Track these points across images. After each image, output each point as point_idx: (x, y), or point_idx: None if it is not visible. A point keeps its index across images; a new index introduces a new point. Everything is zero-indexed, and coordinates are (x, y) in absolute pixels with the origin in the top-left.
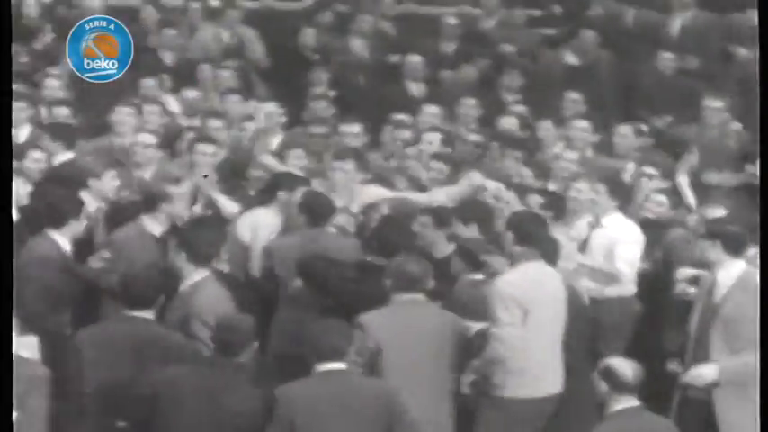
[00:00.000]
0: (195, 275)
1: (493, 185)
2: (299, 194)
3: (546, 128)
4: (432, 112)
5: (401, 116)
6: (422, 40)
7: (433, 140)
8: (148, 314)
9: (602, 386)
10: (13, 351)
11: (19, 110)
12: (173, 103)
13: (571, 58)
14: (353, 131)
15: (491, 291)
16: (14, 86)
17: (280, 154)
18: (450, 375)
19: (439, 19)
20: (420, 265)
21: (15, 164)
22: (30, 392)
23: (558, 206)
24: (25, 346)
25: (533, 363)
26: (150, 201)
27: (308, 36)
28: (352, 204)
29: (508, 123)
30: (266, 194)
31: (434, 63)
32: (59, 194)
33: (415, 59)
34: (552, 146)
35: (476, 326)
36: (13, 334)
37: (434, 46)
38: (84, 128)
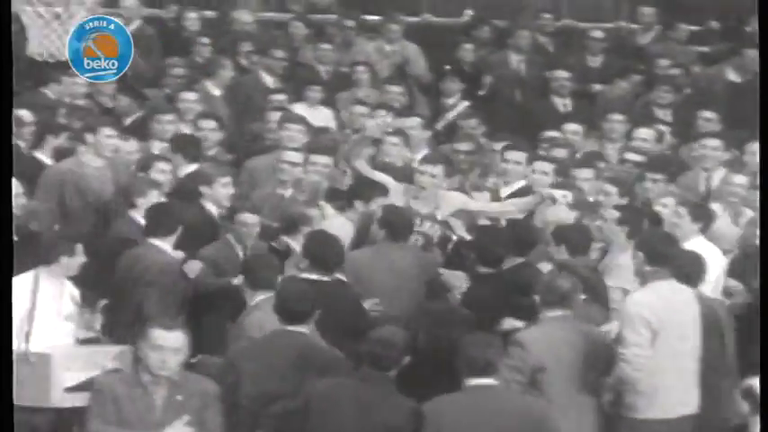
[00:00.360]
0: None
1: (560, 195)
2: (376, 206)
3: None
4: (572, 129)
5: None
6: (577, 55)
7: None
8: (304, 329)
9: (744, 407)
10: (162, 343)
11: (167, 122)
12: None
13: (732, 75)
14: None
15: (621, 311)
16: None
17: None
18: (593, 393)
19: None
20: (569, 281)
21: (141, 174)
22: (206, 409)
23: (635, 221)
24: (172, 341)
25: (664, 383)
26: (291, 224)
27: (467, 51)
28: (437, 211)
29: (645, 134)
30: (345, 202)
31: (584, 78)
32: (171, 205)
33: (561, 74)
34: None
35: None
36: (156, 330)
37: (584, 61)
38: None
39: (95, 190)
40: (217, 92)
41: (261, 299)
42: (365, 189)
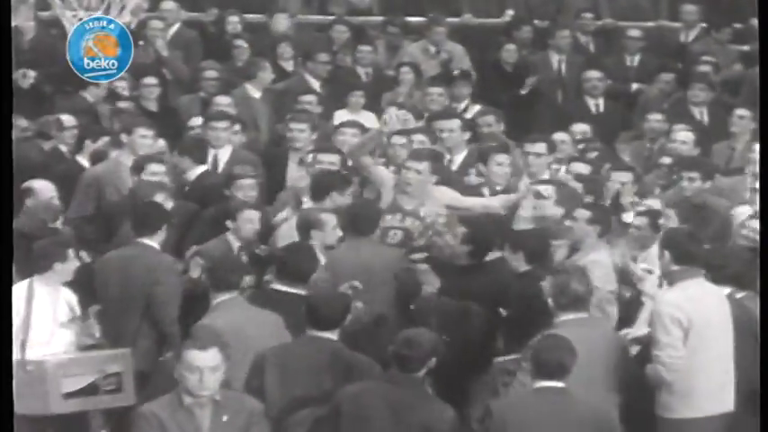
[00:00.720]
0: None
1: (544, 190)
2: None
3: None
4: (581, 129)
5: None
6: (615, 54)
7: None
8: (332, 335)
9: None
10: (199, 364)
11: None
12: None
13: None
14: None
15: (652, 312)
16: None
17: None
18: (616, 394)
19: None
20: (583, 283)
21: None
22: (252, 427)
23: (605, 220)
24: (209, 360)
25: (699, 382)
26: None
27: (509, 51)
28: (422, 208)
29: (684, 137)
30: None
31: (622, 78)
32: (146, 204)
33: (593, 75)
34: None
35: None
36: (192, 351)
37: (622, 60)
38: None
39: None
40: (257, 94)
41: (221, 300)
42: (325, 183)
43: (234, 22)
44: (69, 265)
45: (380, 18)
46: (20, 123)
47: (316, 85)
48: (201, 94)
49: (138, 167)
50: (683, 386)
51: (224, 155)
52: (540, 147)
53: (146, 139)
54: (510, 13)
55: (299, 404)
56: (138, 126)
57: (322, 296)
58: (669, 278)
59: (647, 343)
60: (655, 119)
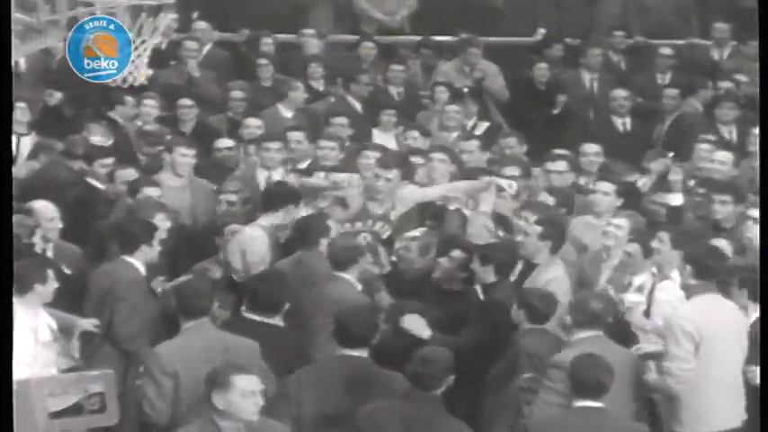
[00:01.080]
0: None
1: (506, 184)
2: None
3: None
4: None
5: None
6: (646, 72)
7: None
8: (362, 352)
9: None
10: (253, 388)
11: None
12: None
13: None
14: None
15: (665, 324)
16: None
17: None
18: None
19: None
20: (602, 302)
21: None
22: None
23: (557, 236)
24: (256, 384)
25: (709, 396)
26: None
27: (541, 70)
28: (392, 212)
29: (723, 157)
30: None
31: (653, 96)
32: (131, 220)
33: (620, 93)
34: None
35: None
36: (243, 377)
37: (653, 78)
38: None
39: (175, 209)
40: (288, 114)
41: (189, 326)
42: (276, 197)
43: (267, 43)
44: (49, 287)
45: (413, 38)
46: (49, 143)
47: (358, 106)
48: (230, 114)
49: (134, 190)
50: (694, 399)
51: None
52: (561, 165)
53: (186, 158)
54: (541, 31)
55: (329, 422)
56: (179, 145)
57: (351, 314)
58: (687, 292)
59: (657, 358)
60: (684, 137)
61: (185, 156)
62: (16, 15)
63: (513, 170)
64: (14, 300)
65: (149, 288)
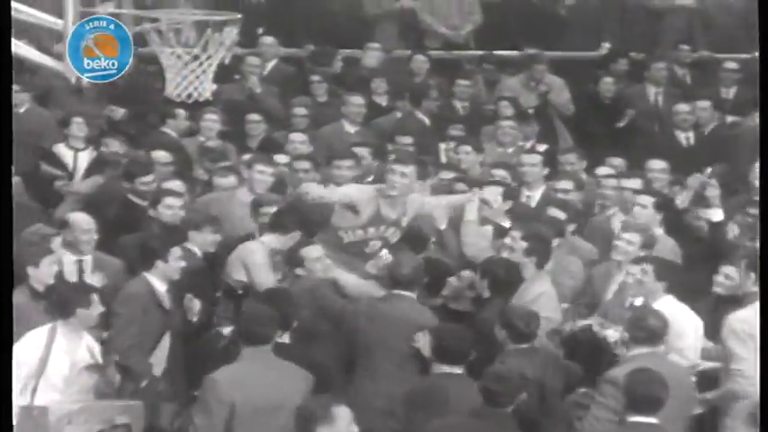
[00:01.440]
0: None
1: (490, 197)
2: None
3: None
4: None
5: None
6: (711, 87)
7: None
8: (459, 369)
9: None
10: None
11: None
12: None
13: None
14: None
15: (724, 329)
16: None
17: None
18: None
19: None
20: (660, 319)
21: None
22: None
23: (542, 251)
24: (346, 414)
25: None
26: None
27: (607, 84)
28: (404, 218)
29: None
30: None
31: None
32: (148, 236)
33: (683, 108)
34: None
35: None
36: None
37: (718, 93)
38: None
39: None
40: (352, 129)
41: (248, 351)
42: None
43: (331, 58)
44: (93, 311)
45: (475, 52)
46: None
47: (426, 121)
48: (292, 129)
49: (156, 201)
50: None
51: None
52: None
53: (263, 176)
54: (606, 45)
55: None
56: (258, 162)
57: (449, 330)
58: (748, 298)
59: (713, 375)
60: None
61: (263, 173)
62: None
63: (567, 184)
64: (57, 323)
65: (155, 302)
